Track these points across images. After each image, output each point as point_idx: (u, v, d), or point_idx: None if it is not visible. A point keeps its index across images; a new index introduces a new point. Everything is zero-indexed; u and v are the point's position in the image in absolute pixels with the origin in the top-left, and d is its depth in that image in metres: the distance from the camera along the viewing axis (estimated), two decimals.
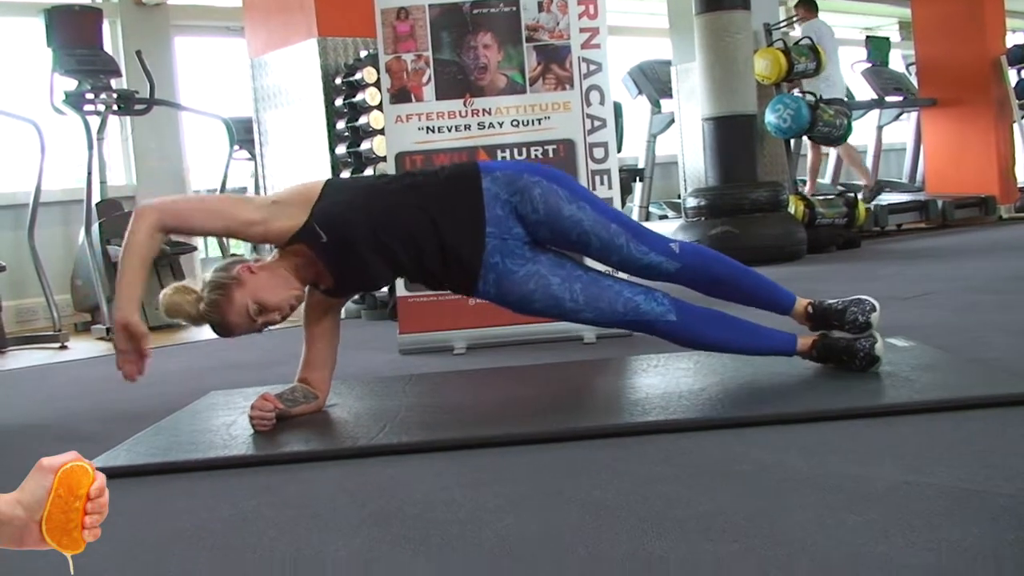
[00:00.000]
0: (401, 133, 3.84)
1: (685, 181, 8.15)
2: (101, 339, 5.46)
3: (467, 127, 3.82)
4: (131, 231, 2.37)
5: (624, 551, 1.45)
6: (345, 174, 5.41)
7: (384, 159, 4.89)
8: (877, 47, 10.07)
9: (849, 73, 9.10)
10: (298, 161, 5.80)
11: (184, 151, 7.64)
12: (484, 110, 3.82)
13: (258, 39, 6.00)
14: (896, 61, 11.11)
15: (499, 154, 3.80)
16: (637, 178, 8.66)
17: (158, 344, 4.95)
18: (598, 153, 3.84)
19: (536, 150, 3.81)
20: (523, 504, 1.74)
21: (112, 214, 5.97)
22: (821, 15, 8.04)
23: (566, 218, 2.47)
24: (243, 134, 6.77)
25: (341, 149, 5.50)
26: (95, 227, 5.83)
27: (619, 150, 6.75)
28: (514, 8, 3.82)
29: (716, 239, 6.24)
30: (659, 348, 2.63)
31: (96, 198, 5.99)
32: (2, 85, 6.76)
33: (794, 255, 6.41)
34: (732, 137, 6.66)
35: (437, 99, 3.83)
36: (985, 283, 4.49)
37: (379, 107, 5.04)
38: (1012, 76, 9.28)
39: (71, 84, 5.93)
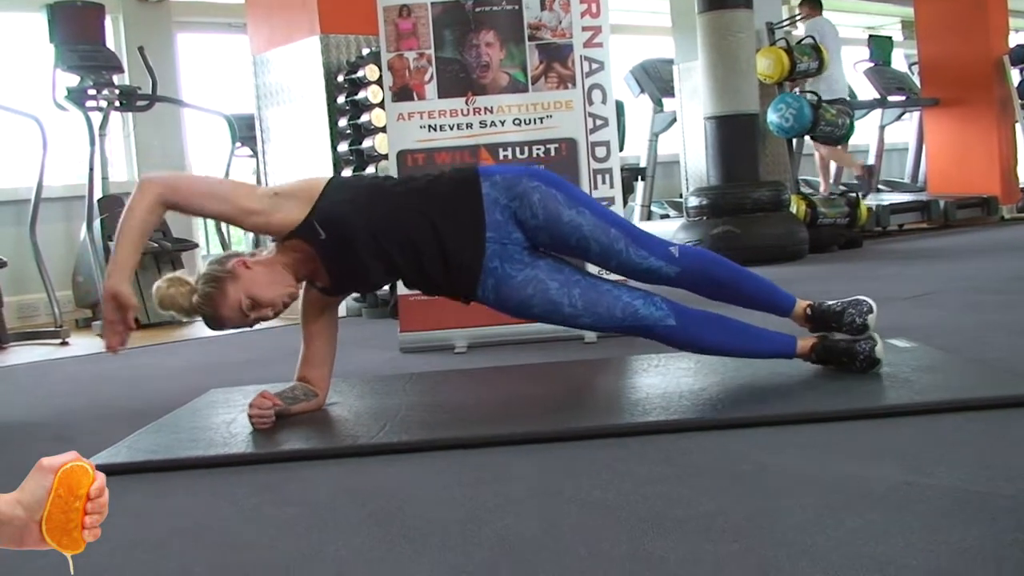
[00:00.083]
0: (403, 131, 3.84)
1: (687, 180, 8.15)
2: (102, 336, 5.45)
3: (469, 125, 3.82)
4: (133, 202, 2.37)
5: (624, 551, 1.46)
6: (347, 172, 5.41)
7: (386, 157, 4.88)
8: (880, 46, 10.06)
9: (851, 72, 9.09)
10: (300, 158, 5.80)
11: (186, 148, 7.65)
12: (486, 108, 3.82)
13: (260, 36, 6.00)
14: (899, 60, 11.10)
15: (501, 152, 3.80)
16: (639, 177, 8.65)
17: (158, 341, 4.97)
18: (600, 152, 3.84)
19: (538, 149, 3.81)
20: (523, 504, 1.74)
21: (114, 210, 5.95)
22: (824, 14, 8.03)
23: (565, 223, 2.47)
24: (245, 131, 6.77)
25: (343, 147, 5.50)
26: (97, 223, 5.84)
27: (621, 149, 6.73)
28: (516, 6, 3.82)
29: (718, 238, 6.24)
30: (659, 348, 2.64)
31: (98, 194, 6.00)
32: (4, 81, 6.76)
33: (796, 255, 6.41)
34: (734, 136, 6.66)
35: (439, 97, 3.83)
36: (987, 283, 4.49)
37: (381, 105, 5.03)
38: (1015, 76, 9.27)
39: (73, 80, 5.94)
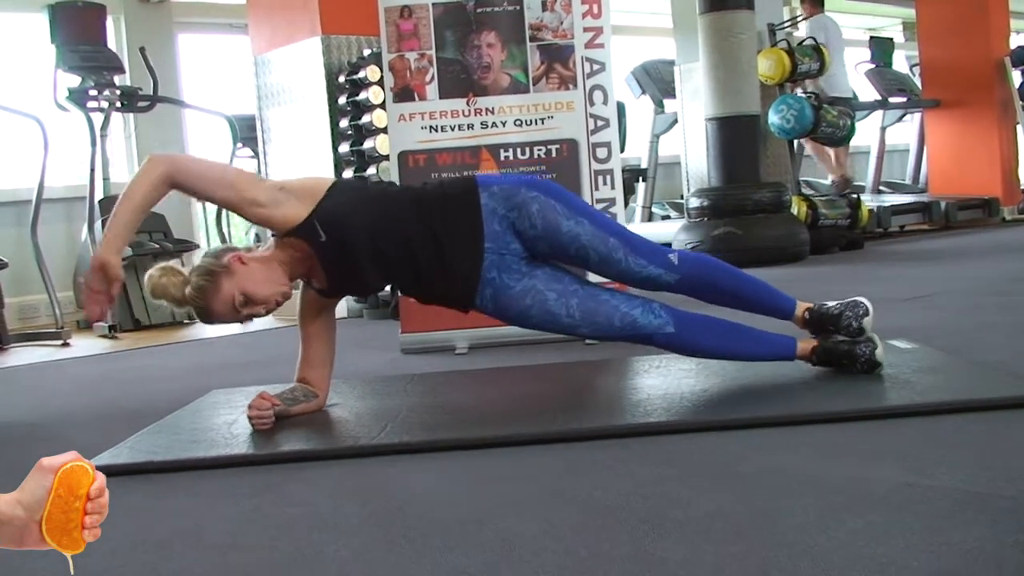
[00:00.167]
0: (404, 132, 3.84)
1: (688, 181, 8.14)
2: (103, 336, 5.46)
3: (470, 126, 3.82)
4: (138, 176, 2.36)
5: (625, 552, 1.45)
6: (348, 173, 5.42)
7: (387, 158, 4.88)
8: (881, 48, 10.06)
9: (853, 73, 9.08)
10: (301, 159, 5.80)
11: (187, 148, 7.64)
12: (487, 109, 3.82)
13: (262, 36, 6.00)
14: (900, 62, 11.10)
15: (502, 153, 3.80)
16: (640, 178, 8.64)
17: (160, 342, 4.97)
18: (601, 153, 3.84)
19: (539, 150, 3.81)
20: (523, 504, 1.74)
21: None
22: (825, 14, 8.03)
23: (564, 233, 2.47)
24: (246, 132, 6.77)
25: (344, 147, 5.50)
26: (98, 224, 5.83)
27: (622, 150, 6.73)
28: (518, 7, 3.82)
29: (719, 240, 6.24)
30: (660, 350, 2.64)
31: (99, 195, 6.00)
32: (5, 81, 6.77)
33: (797, 256, 6.41)
34: (735, 137, 6.65)
35: (440, 98, 3.83)
36: (987, 285, 4.49)
37: (382, 106, 5.04)
38: (1016, 77, 9.27)
39: (74, 81, 5.94)
